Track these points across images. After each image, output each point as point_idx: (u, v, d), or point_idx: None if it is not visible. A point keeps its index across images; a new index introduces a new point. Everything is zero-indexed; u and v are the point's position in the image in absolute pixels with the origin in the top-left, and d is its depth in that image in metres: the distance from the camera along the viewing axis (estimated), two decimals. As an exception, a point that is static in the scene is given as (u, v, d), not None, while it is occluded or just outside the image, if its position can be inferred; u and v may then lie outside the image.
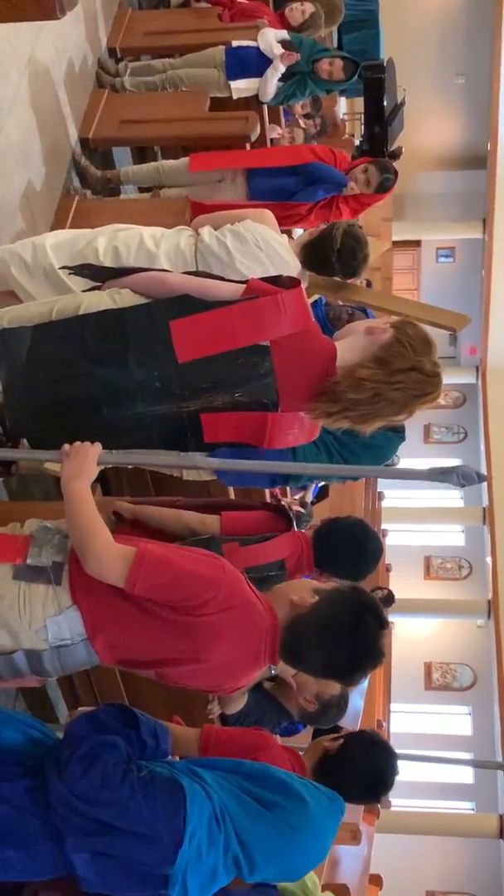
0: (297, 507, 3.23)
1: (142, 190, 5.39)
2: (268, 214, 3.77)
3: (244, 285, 2.74)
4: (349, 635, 2.31)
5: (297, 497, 5.73)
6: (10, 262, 3.38)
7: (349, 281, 4.01)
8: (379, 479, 12.36)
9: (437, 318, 4.14)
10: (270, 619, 2.32)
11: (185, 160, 4.97)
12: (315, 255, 3.85)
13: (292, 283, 2.79)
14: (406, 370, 2.60)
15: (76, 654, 2.27)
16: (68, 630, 2.23)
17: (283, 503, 3.15)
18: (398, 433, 3.63)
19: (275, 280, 2.81)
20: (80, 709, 2.65)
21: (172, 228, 3.62)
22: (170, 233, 3.60)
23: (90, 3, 5.42)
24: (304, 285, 3.87)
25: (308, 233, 4.05)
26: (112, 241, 3.45)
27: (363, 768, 2.67)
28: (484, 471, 16.29)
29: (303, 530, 6.00)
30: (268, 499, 4.34)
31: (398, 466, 3.92)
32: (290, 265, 3.70)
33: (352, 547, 3.13)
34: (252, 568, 2.82)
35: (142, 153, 5.73)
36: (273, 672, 3.13)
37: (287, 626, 2.33)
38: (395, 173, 5.10)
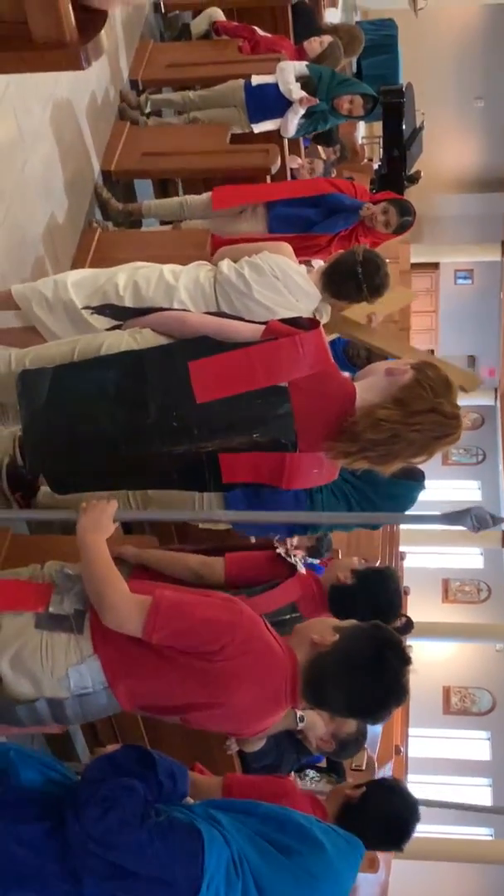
0: (299, 552, 3.21)
1: (163, 222, 5.43)
2: (285, 246, 3.82)
3: (263, 326, 2.76)
4: (371, 673, 2.31)
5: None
6: (32, 299, 3.44)
7: (372, 300, 4.01)
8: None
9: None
10: (290, 660, 2.32)
11: (207, 196, 5.01)
12: (339, 274, 3.87)
13: (311, 324, 2.81)
14: (425, 412, 2.60)
15: (98, 701, 2.28)
16: (90, 678, 2.25)
17: (280, 550, 3.12)
18: (418, 482, 3.62)
19: (294, 321, 2.83)
20: (108, 747, 2.66)
21: (191, 263, 3.67)
22: (189, 267, 3.65)
23: (112, 36, 5.48)
24: (324, 319, 3.90)
25: (327, 260, 4.08)
26: (132, 276, 3.50)
27: (385, 818, 2.67)
28: (503, 491, 16.31)
29: (324, 557, 5.97)
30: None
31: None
32: (309, 293, 3.73)
33: (371, 609, 3.07)
34: (265, 614, 2.82)
35: (163, 185, 5.78)
36: (300, 726, 3.11)
37: (308, 665, 2.33)
38: (414, 214, 5.13)
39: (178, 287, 3.52)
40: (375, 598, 3.01)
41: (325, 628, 2.41)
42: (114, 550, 2.97)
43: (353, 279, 3.84)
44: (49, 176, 4.43)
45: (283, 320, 2.87)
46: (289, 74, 5.42)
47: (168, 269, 3.58)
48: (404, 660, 2.35)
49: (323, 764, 4.49)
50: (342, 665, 2.31)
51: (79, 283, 3.43)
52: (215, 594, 2.40)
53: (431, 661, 14.89)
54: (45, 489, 3.42)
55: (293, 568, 3.06)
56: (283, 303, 3.62)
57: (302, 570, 3.07)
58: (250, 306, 3.57)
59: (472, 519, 2.45)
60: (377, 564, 3.32)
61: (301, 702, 2.38)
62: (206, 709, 2.27)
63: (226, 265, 3.66)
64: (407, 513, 3.75)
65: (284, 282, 3.65)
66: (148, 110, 5.73)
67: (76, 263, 4.52)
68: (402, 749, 12.23)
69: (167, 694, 2.27)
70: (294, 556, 3.10)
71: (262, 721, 2.36)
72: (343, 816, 2.63)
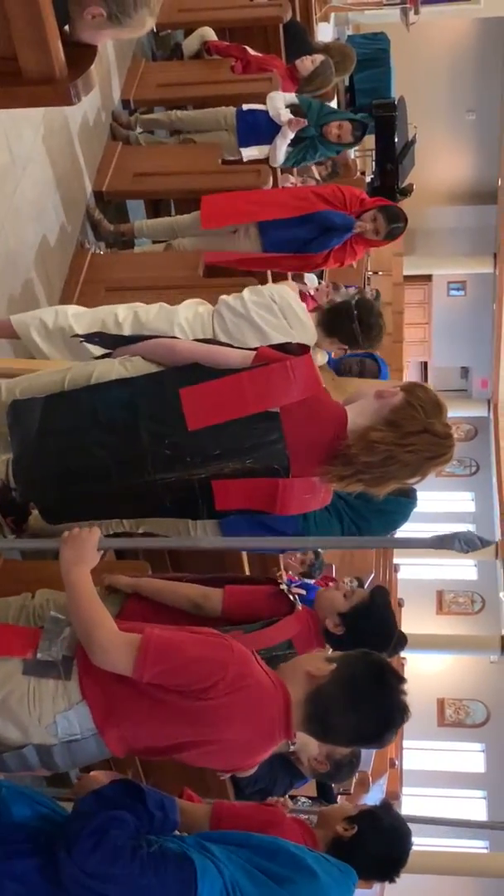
0: (297, 590, 3.21)
1: (155, 241, 5.44)
2: (289, 283, 3.95)
3: (253, 352, 2.77)
4: (376, 696, 2.33)
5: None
6: (31, 325, 3.49)
7: (365, 343, 4.08)
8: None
9: None
10: (282, 695, 2.31)
11: (198, 214, 5.02)
12: (333, 312, 3.99)
13: (301, 349, 2.82)
14: (418, 432, 2.62)
15: (86, 748, 2.28)
16: (78, 725, 2.24)
17: (283, 588, 3.12)
18: (410, 499, 3.64)
19: (284, 347, 2.84)
20: (91, 773, 2.66)
21: (192, 300, 3.78)
22: (189, 301, 3.76)
23: (104, 56, 5.49)
24: (318, 363, 3.96)
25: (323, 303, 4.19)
26: (132, 308, 3.58)
27: (379, 854, 2.66)
28: (496, 502, 16.34)
29: (318, 577, 5.92)
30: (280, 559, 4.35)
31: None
32: (305, 324, 3.80)
33: (368, 635, 3.05)
34: (259, 650, 2.82)
35: (155, 206, 5.78)
36: (291, 748, 3.12)
37: (309, 698, 2.32)
38: (405, 220, 5.14)
39: (178, 312, 3.60)
40: (366, 640, 3.01)
41: (318, 659, 2.41)
42: (106, 580, 2.99)
43: (346, 315, 3.94)
44: (41, 199, 4.43)
45: (273, 346, 2.88)
46: (278, 101, 5.46)
47: (166, 304, 3.68)
48: (400, 679, 2.38)
49: (313, 793, 4.48)
50: (346, 692, 2.32)
51: (79, 315, 3.52)
52: (204, 630, 2.39)
53: (425, 672, 14.89)
54: (37, 513, 3.42)
55: (292, 606, 3.05)
56: (277, 325, 3.67)
57: (300, 607, 3.06)
58: (244, 329, 3.62)
59: (459, 541, 2.46)
60: (366, 588, 3.30)
61: (294, 736, 2.38)
62: (197, 747, 2.26)
63: (225, 296, 3.77)
64: (395, 537, 3.77)
65: (281, 306, 3.72)
66: (139, 131, 5.74)
67: (68, 285, 4.53)
68: (396, 762, 12.22)
69: (158, 735, 2.26)
70: (293, 595, 3.09)
71: (255, 756, 2.36)
72: (335, 850, 2.62)
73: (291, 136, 5.44)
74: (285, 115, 5.40)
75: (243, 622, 2.96)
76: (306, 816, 2.92)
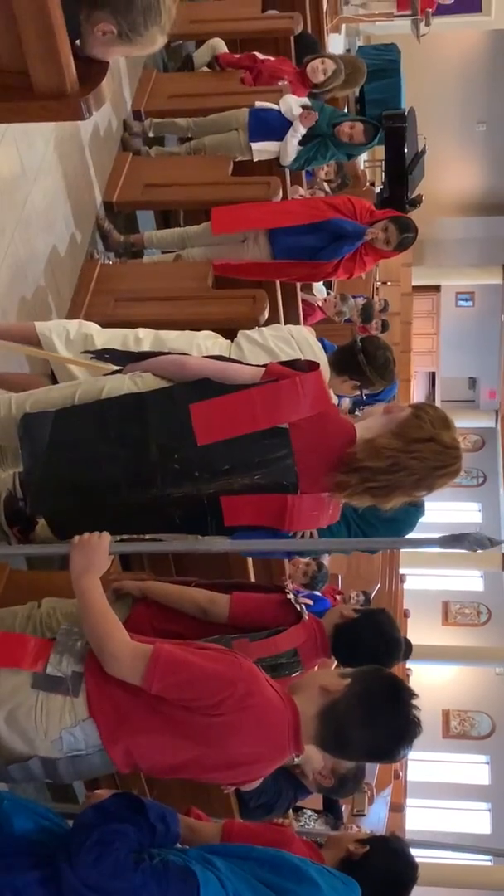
0: (304, 600, 3.22)
1: (165, 251, 5.46)
2: (308, 328, 4.16)
3: (263, 369, 2.77)
4: (391, 710, 2.34)
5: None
6: (53, 331, 3.54)
7: (373, 375, 4.14)
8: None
9: None
10: (290, 711, 2.32)
11: (208, 224, 5.04)
12: (341, 352, 4.14)
13: (311, 366, 2.82)
14: (424, 440, 2.63)
15: (91, 762, 2.29)
16: (83, 741, 2.25)
17: (290, 597, 3.14)
18: (418, 508, 3.66)
19: (293, 364, 2.84)
20: (97, 791, 2.66)
21: (208, 332, 3.87)
22: (206, 332, 3.85)
23: (115, 66, 5.51)
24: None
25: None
26: (153, 330, 3.66)
27: (385, 879, 2.65)
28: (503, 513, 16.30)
29: (320, 588, 5.92)
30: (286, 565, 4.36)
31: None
32: (319, 357, 3.85)
33: (375, 645, 3.04)
34: (264, 657, 2.83)
35: (165, 216, 5.80)
36: (295, 761, 3.12)
37: (323, 712, 2.33)
38: (416, 231, 5.17)
39: (198, 335, 3.70)
40: (379, 633, 3.03)
41: (331, 675, 2.43)
42: (114, 585, 3.00)
43: (352, 352, 4.07)
44: (51, 209, 4.44)
45: (283, 362, 2.89)
46: (292, 101, 5.50)
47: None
48: (413, 694, 2.40)
49: (319, 806, 4.47)
50: (362, 707, 2.33)
51: (101, 330, 3.61)
52: (212, 647, 2.40)
53: (431, 684, 14.84)
54: (43, 522, 3.43)
55: (299, 615, 3.06)
56: (292, 355, 3.74)
57: (307, 616, 3.07)
58: (260, 356, 3.69)
59: (469, 542, 2.47)
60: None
61: (304, 750, 2.38)
62: (202, 762, 2.27)
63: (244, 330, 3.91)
64: (407, 537, 3.79)
65: (298, 341, 3.85)
66: (151, 134, 5.75)
67: (77, 295, 4.54)
68: (400, 773, 12.18)
69: (165, 751, 2.27)
70: (300, 605, 3.11)
71: (262, 771, 2.37)
72: (343, 869, 2.62)
73: (303, 131, 5.45)
74: (297, 108, 5.43)
75: (249, 630, 2.97)
76: (314, 819, 2.91)
